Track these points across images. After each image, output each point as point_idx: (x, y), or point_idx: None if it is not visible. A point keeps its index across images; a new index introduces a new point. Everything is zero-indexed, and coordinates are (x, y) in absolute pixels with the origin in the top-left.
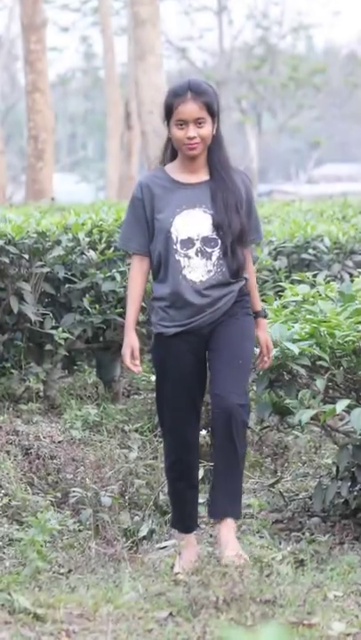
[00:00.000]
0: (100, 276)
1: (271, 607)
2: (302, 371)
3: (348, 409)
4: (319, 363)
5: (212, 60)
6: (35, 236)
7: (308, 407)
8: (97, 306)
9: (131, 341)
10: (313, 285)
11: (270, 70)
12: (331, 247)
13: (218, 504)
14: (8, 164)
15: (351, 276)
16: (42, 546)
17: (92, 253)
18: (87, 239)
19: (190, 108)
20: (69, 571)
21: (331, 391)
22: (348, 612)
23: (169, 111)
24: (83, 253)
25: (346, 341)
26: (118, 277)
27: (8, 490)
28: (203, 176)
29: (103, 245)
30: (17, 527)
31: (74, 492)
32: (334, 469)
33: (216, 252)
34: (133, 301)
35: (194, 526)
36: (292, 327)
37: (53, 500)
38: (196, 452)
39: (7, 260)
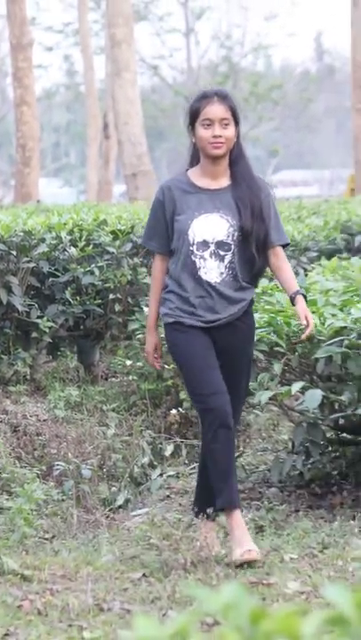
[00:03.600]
0: (80, 271)
1: (233, 568)
2: (261, 356)
3: (303, 390)
4: (276, 349)
5: (181, 77)
6: (22, 234)
7: (267, 389)
8: (78, 297)
9: (154, 340)
10: (271, 279)
11: (233, 86)
12: None
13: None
14: None
15: (305, 270)
16: (28, 514)
17: (73, 250)
18: (69, 237)
19: (217, 109)
20: (53, 536)
21: (287, 374)
22: (302, 572)
23: (195, 114)
24: (65, 250)
25: (300, 329)
26: (97, 272)
27: None
28: (223, 182)
29: (83, 243)
30: (6, 497)
31: (57, 465)
32: (290, 445)
33: (228, 256)
34: (155, 302)
35: (238, 500)
36: None
37: (39, 472)
38: (231, 425)
39: None
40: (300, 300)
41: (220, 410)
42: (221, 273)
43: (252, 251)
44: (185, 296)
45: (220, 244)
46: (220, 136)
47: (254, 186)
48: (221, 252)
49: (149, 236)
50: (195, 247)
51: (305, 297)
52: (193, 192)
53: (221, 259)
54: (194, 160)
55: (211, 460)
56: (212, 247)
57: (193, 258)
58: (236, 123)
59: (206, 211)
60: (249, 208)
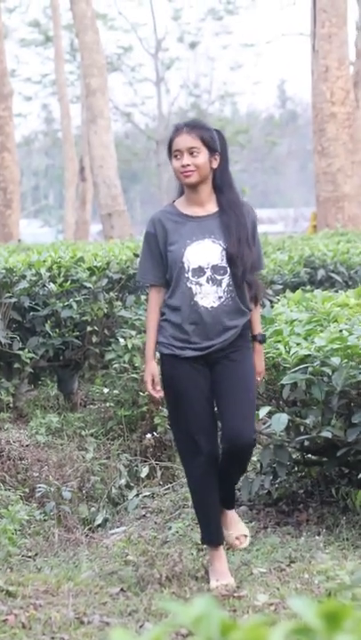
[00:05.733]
0: (59, 305)
1: (206, 582)
2: None
3: (270, 414)
4: None
5: (153, 123)
6: (3, 271)
7: None
8: (57, 330)
9: (151, 370)
10: None
11: None
12: None
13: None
14: None
15: (271, 302)
16: (13, 533)
17: (52, 286)
18: (48, 274)
19: (184, 139)
20: (36, 554)
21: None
22: (271, 585)
23: (169, 147)
24: (44, 286)
25: (267, 357)
26: (75, 306)
27: None
28: (210, 208)
29: (61, 279)
30: None
31: (39, 487)
32: (259, 465)
33: (226, 279)
34: (152, 331)
35: (222, 538)
36: None
37: (22, 494)
38: (217, 465)
39: None
40: (258, 348)
41: (205, 449)
42: (220, 297)
43: (240, 275)
44: (178, 323)
45: (216, 269)
46: (189, 164)
47: (240, 213)
48: (218, 277)
49: (145, 270)
50: (190, 274)
51: (264, 339)
52: (182, 221)
53: (219, 283)
54: (181, 191)
55: (196, 499)
56: (209, 272)
57: (189, 285)
58: (212, 150)
59: (198, 237)
60: (235, 234)
